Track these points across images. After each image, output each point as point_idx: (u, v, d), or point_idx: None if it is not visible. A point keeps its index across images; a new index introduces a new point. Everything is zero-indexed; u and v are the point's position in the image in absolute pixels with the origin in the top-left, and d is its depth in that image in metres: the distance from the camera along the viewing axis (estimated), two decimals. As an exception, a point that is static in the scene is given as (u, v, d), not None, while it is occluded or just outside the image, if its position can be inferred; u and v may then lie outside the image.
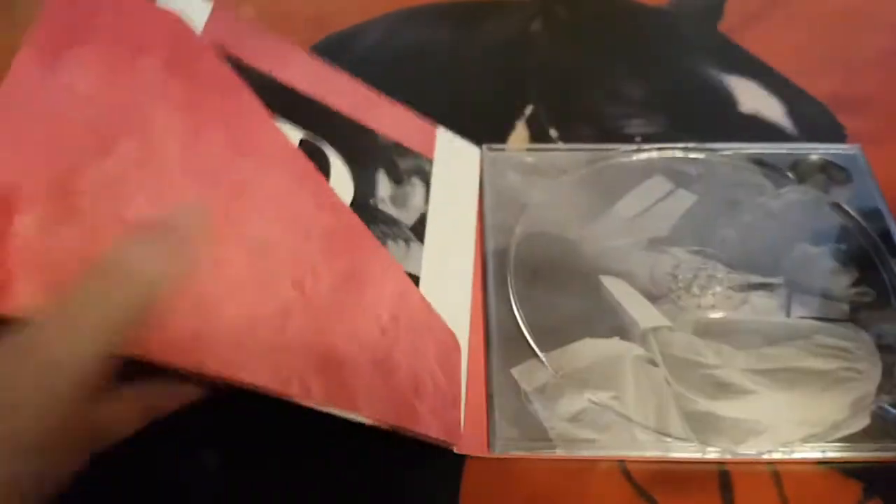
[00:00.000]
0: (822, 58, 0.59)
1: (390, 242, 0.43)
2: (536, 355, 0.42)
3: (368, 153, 0.45)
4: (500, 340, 0.43)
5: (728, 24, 0.61)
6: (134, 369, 0.30)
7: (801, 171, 0.50)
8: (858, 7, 0.63)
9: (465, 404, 0.40)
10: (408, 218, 0.44)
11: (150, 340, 0.30)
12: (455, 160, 0.49)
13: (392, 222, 0.44)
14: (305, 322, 0.35)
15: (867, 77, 0.58)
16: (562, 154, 0.51)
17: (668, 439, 0.39)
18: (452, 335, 0.42)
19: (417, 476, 0.39)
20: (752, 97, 0.56)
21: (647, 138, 0.52)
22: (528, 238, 0.47)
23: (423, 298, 0.41)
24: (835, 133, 0.53)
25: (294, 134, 0.42)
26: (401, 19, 0.61)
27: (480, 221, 0.47)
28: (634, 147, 0.51)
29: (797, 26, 0.61)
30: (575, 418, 0.40)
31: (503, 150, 0.51)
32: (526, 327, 0.43)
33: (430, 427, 0.38)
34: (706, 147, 0.51)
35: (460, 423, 0.39)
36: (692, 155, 0.51)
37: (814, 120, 0.54)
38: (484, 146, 0.51)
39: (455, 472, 0.39)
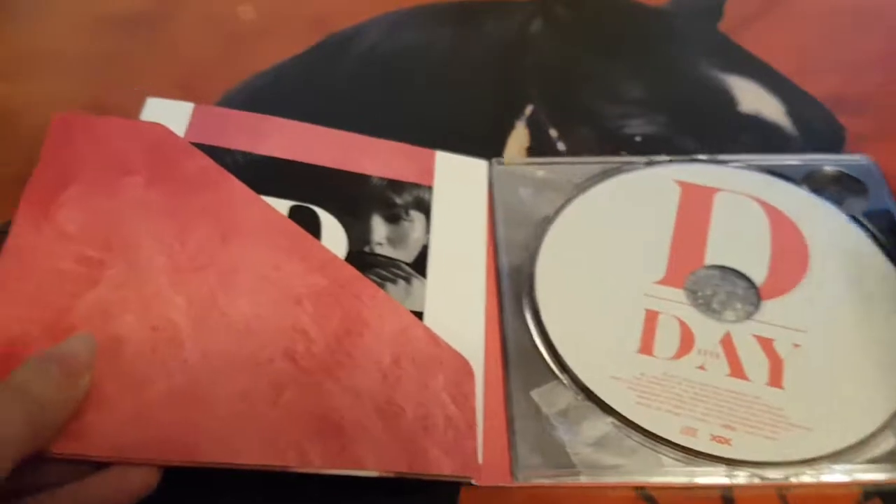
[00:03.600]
0: (822, 58, 0.59)
1: (389, 285, 0.43)
2: (557, 377, 0.41)
3: (360, 200, 0.46)
4: (518, 362, 0.42)
5: (728, 24, 0.60)
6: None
7: (815, 182, 0.49)
8: (858, 7, 0.63)
9: (484, 431, 0.40)
10: (407, 255, 0.44)
11: (144, 441, 0.33)
12: (459, 181, 0.48)
13: (390, 264, 0.44)
14: (299, 391, 0.37)
15: (867, 77, 0.58)
16: (573, 167, 0.49)
17: (696, 464, 0.38)
18: (464, 361, 0.41)
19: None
20: (751, 97, 0.55)
21: (647, 138, 0.51)
22: (547, 255, 0.45)
23: (426, 330, 0.41)
24: (835, 133, 0.53)
25: (282, 204, 0.44)
26: (400, 20, 0.60)
27: (492, 238, 0.46)
28: (646, 159, 0.50)
29: (797, 26, 0.60)
30: (598, 443, 0.39)
31: (513, 164, 0.50)
32: (545, 347, 0.42)
33: (443, 465, 0.38)
34: (717, 159, 0.50)
35: (477, 454, 0.39)
36: (704, 167, 0.50)
37: (814, 120, 0.54)
38: (493, 160, 0.49)
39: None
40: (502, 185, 0.48)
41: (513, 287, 0.44)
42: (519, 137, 0.52)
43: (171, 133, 0.43)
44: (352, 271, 0.42)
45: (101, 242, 0.38)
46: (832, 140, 0.53)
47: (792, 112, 0.54)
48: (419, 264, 0.44)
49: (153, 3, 0.59)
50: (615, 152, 0.51)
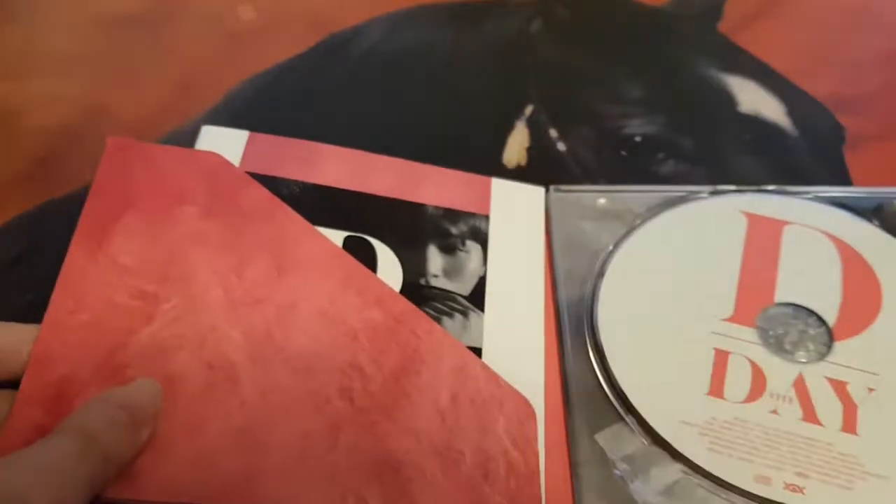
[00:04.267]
0: (821, 58, 0.59)
1: (446, 319, 0.41)
2: (622, 419, 0.39)
3: (415, 231, 0.44)
4: (580, 403, 0.40)
5: (727, 25, 0.59)
6: None
7: (884, 216, 0.47)
8: (858, 7, 0.62)
9: (545, 477, 0.38)
10: (463, 288, 0.43)
11: (201, 485, 0.32)
12: (515, 209, 0.47)
13: (447, 298, 0.42)
14: (357, 432, 0.35)
15: (867, 77, 0.57)
16: (634, 195, 0.48)
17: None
18: (525, 402, 0.39)
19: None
20: (751, 97, 0.55)
21: (647, 138, 0.51)
22: (608, 289, 0.43)
23: (485, 368, 0.40)
24: (835, 133, 0.53)
25: (337, 235, 0.42)
26: (400, 20, 0.59)
27: (549, 270, 0.44)
28: (710, 188, 0.48)
29: (797, 26, 0.59)
30: (668, 491, 0.37)
31: (571, 191, 0.48)
32: (609, 388, 0.40)
33: None
34: (785, 190, 0.48)
35: (541, 501, 0.37)
36: (771, 197, 0.48)
37: (813, 120, 0.54)
38: (551, 188, 0.48)
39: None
40: (560, 213, 0.47)
41: (573, 322, 0.43)
42: (519, 137, 0.51)
43: (226, 162, 0.42)
44: (407, 305, 0.40)
45: (157, 275, 0.37)
46: (832, 140, 0.52)
47: (792, 112, 0.54)
48: (476, 297, 0.43)
49: (153, 2, 0.59)
50: (615, 153, 0.50)
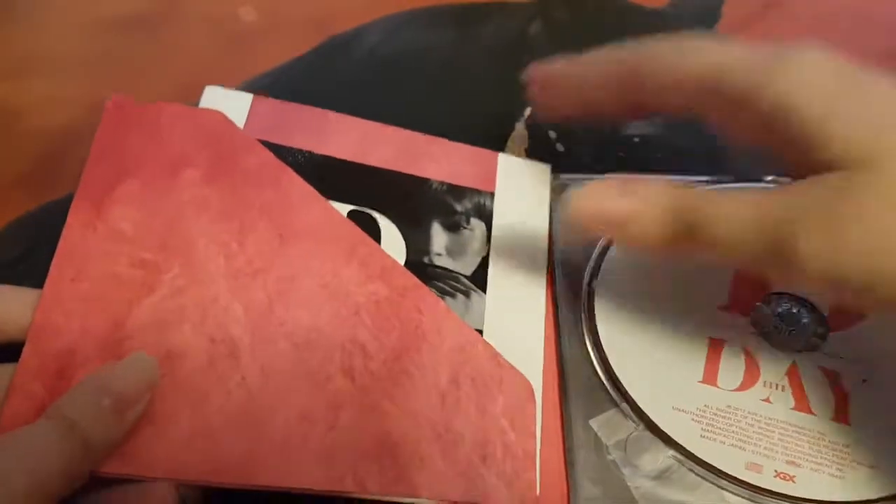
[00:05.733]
0: None
1: (448, 299, 0.41)
2: (617, 405, 0.40)
3: (420, 207, 0.44)
4: (577, 388, 0.40)
5: (726, 26, 0.59)
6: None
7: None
8: (857, 8, 0.62)
9: (540, 461, 0.38)
10: (465, 268, 0.43)
11: (200, 462, 0.32)
12: (521, 186, 0.46)
13: (449, 277, 0.42)
14: (357, 412, 0.36)
15: None
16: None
17: (759, 501, 0.37)
18: (526, 385, 0.40)
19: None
20: None
21: (646, 139, 0.51)
22: (607, 275, 0.44)
23: (487, 347, 0.40)
24: None
25: (342, 208, 0.42)
26: (401, 21, 0.59)
27: (550, 254, 0.45)
28: (710, 178, 0.48)
29: (795, 27, 0.59)
30: (660, 476, 0.38)
31: (573, 179, 0.48)
32: (605, 374, 0.40)
33: (501, 496, 0.36)
34: (781, 180, 0.49)
35: (535, 485, 0.38)
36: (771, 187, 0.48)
37: None
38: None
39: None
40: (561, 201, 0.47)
41: (570, 307, 0.43)
42: (518, 138, 0.51)
43: (229, 122, 0.41)
44: (412, 279, 0.40)
45: (158, 243, 0.36)
46: None
47: None
48: (478, 277, 0.43)
49: (153, 3, 0.58)
50: (613, 153, 0.50)
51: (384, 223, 0.42)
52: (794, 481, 0.37)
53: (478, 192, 0.45)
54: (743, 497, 0.37)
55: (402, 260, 0.42)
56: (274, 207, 0.39)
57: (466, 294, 0.42)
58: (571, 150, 0.51)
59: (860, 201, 0.31)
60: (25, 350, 0.33)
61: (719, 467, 0.38)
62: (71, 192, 0.44)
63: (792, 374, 0.41)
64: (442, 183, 0.45)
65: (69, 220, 0.36)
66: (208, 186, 0.38)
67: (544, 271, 0.44)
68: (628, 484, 0.37)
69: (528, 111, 0.53)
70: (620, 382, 0.40)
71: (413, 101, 0.51)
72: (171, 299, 0.35)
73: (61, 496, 0.29)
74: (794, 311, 0.43)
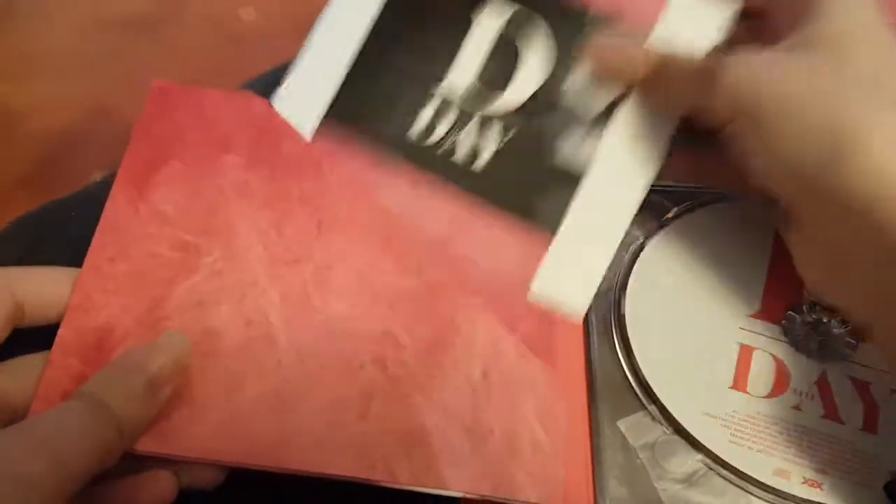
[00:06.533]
0: None
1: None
2: (645, 408, 0.40)
3: (572, 34, 0.42)
4: (605, 390, 0.40)
5: None
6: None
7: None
8: None
9: (567, 459, 0.38)
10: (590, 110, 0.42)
11: (234, 444, 0.33)
12: (688, 29, 0.43)
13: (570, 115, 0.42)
14: (388, 402, 0.36)
15: None
16: (665, 192, 0.48)
17: (788, 505, 0.37)
18: (554, 384, 0.39)
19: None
20: None
21: None
22: (637, 280, 0.44)
23: (518, 344, 0.40)
24: None
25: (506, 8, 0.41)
26: None
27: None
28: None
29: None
30: (687, 480, 0.38)
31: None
32: (633, 377, 0.40)
33: (528, 493, 0.36)
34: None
35: (562, 483, 0.38)
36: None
37: None
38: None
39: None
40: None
41: (600, 312, 0.43)
42: None
43: (271, 109, 0.41)
44: (447, 274, 0.40)
45: (199, 226, 0.37)
46: None
47: None
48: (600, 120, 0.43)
49: (154, 4, 0.59)
50: None
51: (531, 49, 0.42)
52: (821, 489, 0.37)
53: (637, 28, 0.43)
54: (769, 502, 0.37)
55: (533, 87, 0.42)
56: (313, 196, 0.39)
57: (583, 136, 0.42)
58: None
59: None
60: (63, 326, 0.33)
61: (747, 472, 0.38)
62: (71, 193, 0.44)
63: (822, 382, 0.40)
64: (599, 10, 0.43)
65: (111, 199, 0.37)
66: (250, 172, 0.39)
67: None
68: (655, 486, 0.37)
69: None
70: (649, 385, 0.40)
71: None
72: (209, 281, 0.36)
73: (91, 475, 0.29)
74: (825, 321, 0.43)
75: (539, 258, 0.42)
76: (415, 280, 0.39)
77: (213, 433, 0.33)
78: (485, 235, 0.43)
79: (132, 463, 0.32)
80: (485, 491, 0.36)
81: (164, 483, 0.32)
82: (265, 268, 0.37)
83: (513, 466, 0.36)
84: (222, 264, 0.36)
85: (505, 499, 0.36)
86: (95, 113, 0.40)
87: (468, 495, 0.35)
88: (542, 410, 0.39)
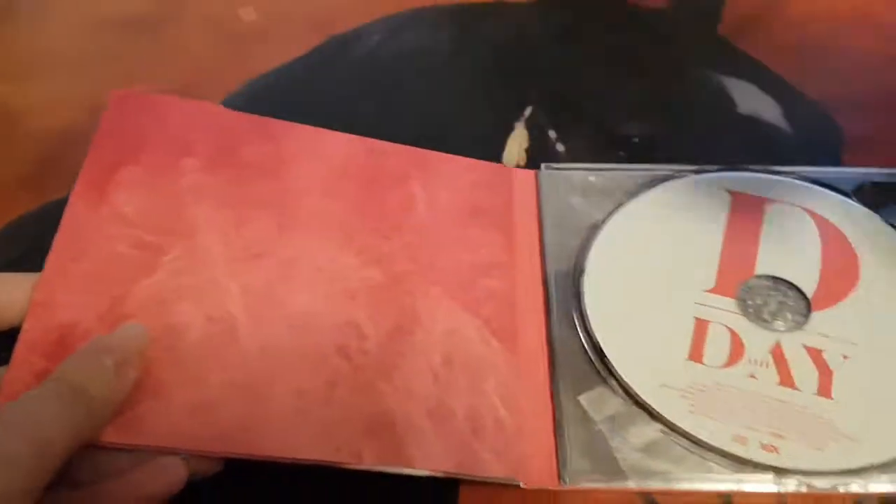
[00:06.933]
0: (819, 60, 0.59)
1: None
2: (605, 382, 0.41)
3: None
4: (565, 366, 0.41)
5: (726, 27, 0.60)
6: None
7: (865, 194, 0.49)
8: (856, 9, 0.63)
9: (531, 435, 0.39)
10: None
11: (202, 433, 0.34)
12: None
13: None
14: (352, 389, 0.37)
15: (865, 79, 0.58)
16: (623, 174, 0.49)
17: (744, 472, 0.38)
18: (515, 364, 0.41)
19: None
20: (749, 99, 0.56)
21: (645, 139, 0.52)
22: (595, 260, 0.45)
23: (479, 330, 0.41)
24: (832, 135, 0.54)
25: None
26: (401, 21, 0.60)
27: (539, 243, 0.46)
28: (695, 167, 0.50)
29: (795, 29, 0.60)
30: (646, 449, 0.39)
31: (562, 169, 0.50)
32: (593, 353, 0.42)
33: (492, 468, 0.38)
34: (769, 169, 0.50)
35: (526, 458, 0.39)
36: (754, 176, 0.50)
37: (811, 122, 0.55)
38: (542, 165, 0.50)
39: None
40: (550, 190, 0.48)
41: (560, 292, 0.44)
42: (518, 139, 0.52)
43: (230, 113, 0.43)
44: (407, 266, 0.42)
45: (159, 226, 0.38)
46: (829, 142, 0.53)
47: (789, 114, 0.55)
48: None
49: (154, 4, 0.60)
50: (613, 154, 0.52)
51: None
52: (778, 452, 0.38)
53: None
54: (727, 468, 0.38)
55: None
56: (273, 198, 0.41)
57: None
58: (571, 150, 0.52)
59: None
60: (27, 320, 0.34)
61: (705, 440, 0.39)
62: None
63: (776, 351, 0.42)
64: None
65: (71, 201, 0.38)
66: (208, 175, 0.40)
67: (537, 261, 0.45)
68: (616, 456, 0.38)
69: (528, 111, 0.54)
70: (608, 360, 0.41)
71: (413, 102, 0.52)
72: (170, 279, 0.37)
73: (70, 453, 0.30)
74: (778, 291, 0.44)
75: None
76: (376, 271, 0.41)
77: (177, 422, 0.34)
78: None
79: (140, 455, 0.33)
80: (449, 468, 0.37)
81: (172, 470, 0.33)
82: (225, 265, 0.38)
83: (476, 444, 0.38)
84: (183, 263, 0.38)
85: (470, 475, 0.37)
86: (95, 113, 0.41)
87: (434, 473, 0.36)
88: (504, 390, 0.40)
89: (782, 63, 0.58)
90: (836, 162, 0.52)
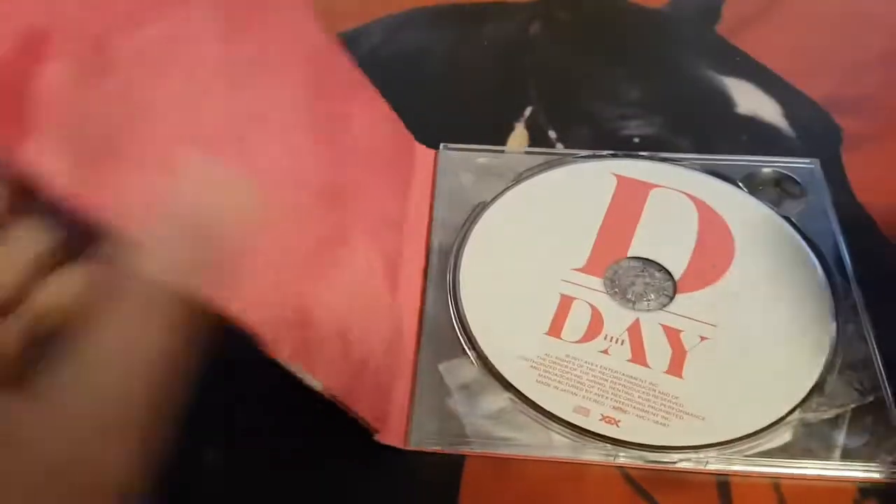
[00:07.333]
0: (819, 59, 0.60)
1: None
2: (466, 353, 0.43)
3: None
4: (431, 335, 0.44)
5: (725, 27, 0.61)
6: None
7: (753, 182, 0.50)
8: (855, 8, 0.64)
9: (394, 395, 0.42)
10: None
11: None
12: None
13: None
14: (293, 270, 0.36)
15: (864, 78, 0.59)
16: (518, 157, 0.52)
17: (582, 441, 0.40)
18: (401, 326, 0.43)
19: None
20: (749, 99, 0.57)
21: (645, 139, 0.53)
22: (476, 236, 0.47)
23: (386, 279, 0.43)
24: (831, 134, 0.54)
25: None
26: (401, 22, 0.62)
27: (429, 218, 0.48)
28: (590, 153, 0.52)
29: (794, 28, 0.61)
30: (494, 416, 0.41)
31: (459, 149, 0.52)
32: (458, 324, 0.44)
33: (365, 409, 0.39)
34: (658, 156, 0.52)
35: (388, 413, 0.41)
36: (645, 163, 0.51)
37: (810, 121, 0.55)
38: (441, 145, 0.52)
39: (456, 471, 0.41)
40: (445, 168, 0.51)
41: (439, 265, 0.46)
42: (518, 138, 0.54)
43: None
44: (341, 178, 0.42)
45: None
46: (829, 141, 0.53)
47: (788, 113, 0.55)
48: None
49: None
50: (613, 154, 0.52)
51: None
52: (618, 425, 0.40)
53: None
54: (568, 437, 0.40)
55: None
56: (265, 31, 0.39)
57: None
58: (571, 150, 0.53)
59: None
60: None
61: (549, 409, 0.41)
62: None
63: (633, 329, 0.43)
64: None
65: None
66: None
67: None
68: (463, 422, 0.41)
69: (528, 111, 0.56)
70: (470, 331, 0.43)
71: (413, 101, 0.53)
72: (163, 42, 0.32)
73: None
74: (644, 272, 0.46)
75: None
76: (331, 174, 0.41)
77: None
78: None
79: None
80: (338, 392, 0.36)
81: None
82: (215, 62, 0.35)
83: (361, 382, 0.39)
84: (175, 32, 0.33)
85: (349, 406, 0.37)
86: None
87: (327, 390, 0.36)
88: (386, 347, 0.42)
89: (782, 63, 0.59)
90: (836, 162, 0.52)
